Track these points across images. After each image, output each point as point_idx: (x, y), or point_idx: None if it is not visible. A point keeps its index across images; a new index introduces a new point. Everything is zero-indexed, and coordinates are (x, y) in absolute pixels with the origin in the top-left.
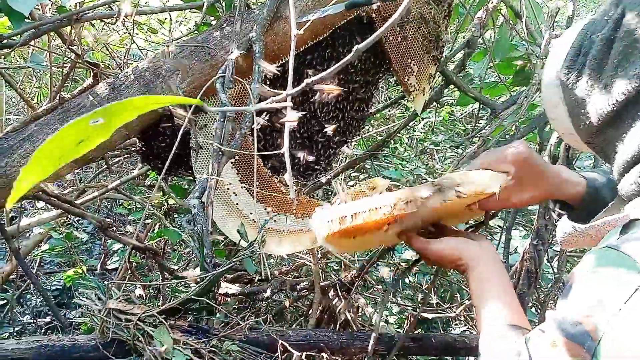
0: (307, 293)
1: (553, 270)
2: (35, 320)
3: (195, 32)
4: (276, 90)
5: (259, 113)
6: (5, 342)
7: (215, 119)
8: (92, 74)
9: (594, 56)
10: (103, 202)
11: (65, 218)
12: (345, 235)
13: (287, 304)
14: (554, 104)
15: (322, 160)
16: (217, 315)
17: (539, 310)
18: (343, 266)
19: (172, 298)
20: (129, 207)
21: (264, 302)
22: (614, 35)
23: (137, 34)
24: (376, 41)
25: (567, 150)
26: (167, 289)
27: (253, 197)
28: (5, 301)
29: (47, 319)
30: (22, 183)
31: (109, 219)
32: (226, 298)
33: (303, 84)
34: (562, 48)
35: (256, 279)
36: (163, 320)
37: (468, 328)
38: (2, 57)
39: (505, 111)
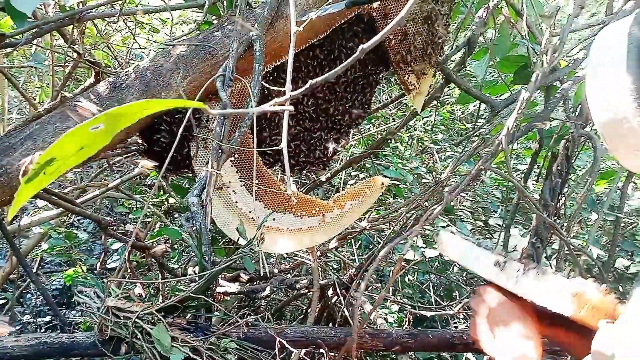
0: (306, 291)
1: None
2: (35, 320)
3: (197, 30)
4: (277, 88)
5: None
6: (4, 339)
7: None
8: (93, 73)
9: None
10: (104, 201)
11: (65, 217)
12: None
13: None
14: (621, 113)
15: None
16: (216, 313)
17: None
18: (343, 264)
19: (172, 297)
20: (130, 206)
21: (263, 301)
22: None
23: (139, 33)
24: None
25: (567, 149)
26: (166, 287)
27: (252, 196)
28: (5, 300)
29: (47, 319)
30: (22, 194)
31: (109, 218)
32: (226, 297)
33: (303, 88)
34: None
35: (254, 278)
36: (161, 318)
37: (467, 326)
38: (5, 56)
39: (505, 109)
